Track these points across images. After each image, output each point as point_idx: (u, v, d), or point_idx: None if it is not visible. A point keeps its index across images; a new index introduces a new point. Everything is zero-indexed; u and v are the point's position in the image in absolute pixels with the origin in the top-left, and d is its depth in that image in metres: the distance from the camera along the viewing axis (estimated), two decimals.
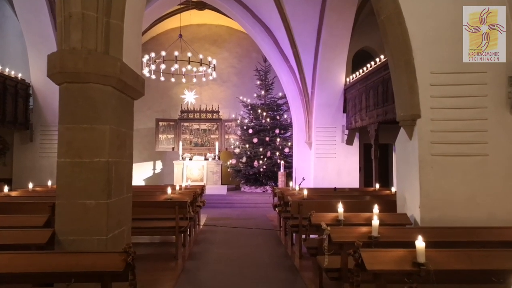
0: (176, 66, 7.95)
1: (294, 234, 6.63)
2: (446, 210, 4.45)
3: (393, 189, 7.70)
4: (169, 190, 6.66)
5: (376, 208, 4.39)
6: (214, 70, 8.81)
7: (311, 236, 5.51)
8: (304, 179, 9.75)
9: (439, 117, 4.51)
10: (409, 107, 4.52)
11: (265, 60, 14.78)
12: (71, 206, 3.47)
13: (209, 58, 8.37)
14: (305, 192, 6.73)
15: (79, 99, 3.47)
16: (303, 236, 5.84)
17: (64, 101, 3.50)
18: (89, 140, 3.48)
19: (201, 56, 8.09)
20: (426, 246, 2.71)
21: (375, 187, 8.64)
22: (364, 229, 3.70)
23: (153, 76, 8.95)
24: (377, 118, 9.42)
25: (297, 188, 7.70)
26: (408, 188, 4.71)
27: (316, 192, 7.54)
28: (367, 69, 10.06)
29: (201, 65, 8.19)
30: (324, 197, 6.99)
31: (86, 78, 3.44)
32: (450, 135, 4.51)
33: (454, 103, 4.50)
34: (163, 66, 8.02)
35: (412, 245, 2.76)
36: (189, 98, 15.03)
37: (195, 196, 7.29)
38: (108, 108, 3.56)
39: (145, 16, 13.28)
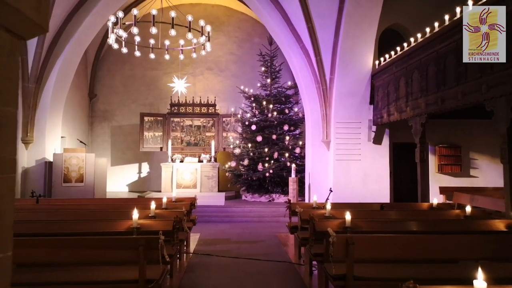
0: (154, 30, 5.51)
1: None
2: None
3: (468, 209, 5.32)
4: (135, 214, 4.24)
5: None
6: (209, 40, 6.40)
7: None
8: (331, 191, 7.34)
9: None
10: None
11: (270, 42, 12.40)
12: None
13: (202, 23, 5.91)
14: (348, 217, 4.33)
15: None
16: None
17: None
18: None
19: (190, 18, 5.62)
20: None
21: (430, 202, 6.26)
22: None
23: (124, 50, 6.46)
24: (427, 108, 7.04)
25: (328, 207, 5.27)
26: None
27: (356, 212, 5.12)
28: (408, 46, 7.69)
29: (189, 31, 5.77)
30: (375, 223, 4.59)
31: None
32: None
33: None
34: (135, 32, 5.58)
35: None
36: (179, 87, 12.55)
37: (179, 220, 4.87)
38: None
39: None
